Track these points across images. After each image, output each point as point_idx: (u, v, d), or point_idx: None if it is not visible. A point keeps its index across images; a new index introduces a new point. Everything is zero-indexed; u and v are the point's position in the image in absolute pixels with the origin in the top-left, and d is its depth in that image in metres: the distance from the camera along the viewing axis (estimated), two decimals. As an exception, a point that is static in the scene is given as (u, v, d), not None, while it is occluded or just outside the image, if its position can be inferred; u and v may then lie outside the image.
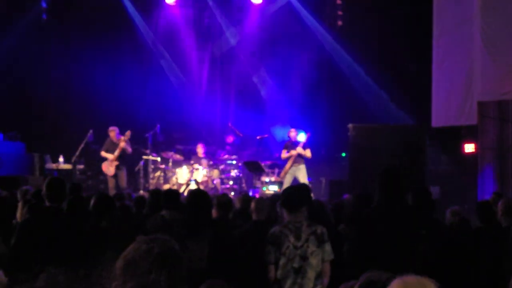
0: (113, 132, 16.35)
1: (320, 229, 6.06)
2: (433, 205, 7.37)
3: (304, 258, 5.97)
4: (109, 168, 16.18)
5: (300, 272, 5.99)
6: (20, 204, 7.64)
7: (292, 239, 5.98)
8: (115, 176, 16.17)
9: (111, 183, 16.17)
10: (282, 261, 5.99)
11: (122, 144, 16.02)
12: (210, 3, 19.50)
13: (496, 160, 15.10)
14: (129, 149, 16.30)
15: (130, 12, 19.52)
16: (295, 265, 5.96)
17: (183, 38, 19.81)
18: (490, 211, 7.28)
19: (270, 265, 6.03)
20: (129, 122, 17.84)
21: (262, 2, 19.34)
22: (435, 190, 14.32)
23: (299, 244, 5.97)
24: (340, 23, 18.86)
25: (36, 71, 18.47)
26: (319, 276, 6.05)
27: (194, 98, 19.75)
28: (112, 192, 15.34)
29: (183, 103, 19.60)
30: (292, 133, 16.24)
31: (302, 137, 16.05)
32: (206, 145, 17.52)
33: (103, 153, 16.27)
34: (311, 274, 6.02)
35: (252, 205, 6.92)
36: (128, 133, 16.15)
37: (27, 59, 18.44)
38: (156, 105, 19.30)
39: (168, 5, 19.57)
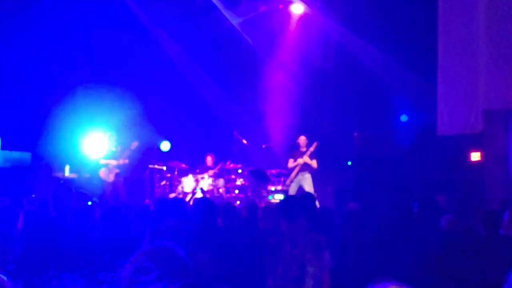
0: (112, 138, 16.51)
1: (316, 236, 6.07)
2: (441, 214, 7.35)
3: (301, 266, 5.97)
4: (108, 175, 16.23)
5: (298, 280, 5.99)
6: (21, 214, 7.62)
7: (288, 247, 5.99)
8: (114, 183, 16.24)
9: (109, 190, 16.23)
10: (279, 270, 5.99)
11: (122, 161, 16.22)
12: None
13: (502, 169, 15.06)
14: (126, 161, 16.42)
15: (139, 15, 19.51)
16: (293, 274, 5.97)
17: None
18: (496, 220, 7.26)
19: (268, 274, 6.05)
20: (135, 130, 17.89)
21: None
22: (440, 199, 14.28)
23: (295, 252, 5.98)
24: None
25: (42, 81, 18.49)
26: (317, 284, 6.04)
27: (200, 106, 19.74)
28: (108, 199, 15.46)
29: (190, 111, 19.63)
30: (302, 139, 16.27)
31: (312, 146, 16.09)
32: (214, 155, 17.53)
33: (103, 160, 16.33)
34: (308, 283, 6.01)
35: (259, 214, 6.93)
36: (135, 143, 16.32)
37: (33, 70, 18.46)
38: (162, 114, 19.33)
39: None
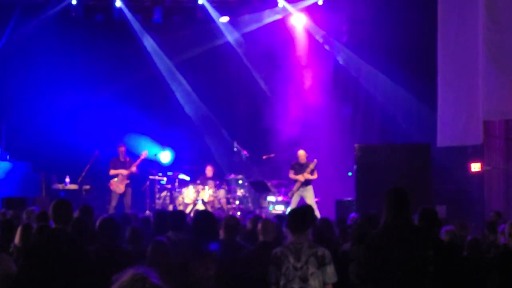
0: (122, 149, 16.51)
1: (321, 251, 6.01)
2: (440, 226, 7.34)
3: (304, 279, 5.92)
4: (119, 186, 16.24)
5: None
6: (20, 228, 7.57)
7: (292, 260, 5.95)
8: (123, 194, 16.24)
9: (115, 201, 16.23)
10: (282, 281, 5.96)
11: (134, 169, 16.24)
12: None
13: (502, 179, 15.07)
14: (137, 171, 16.46)
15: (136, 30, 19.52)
16: (295, 286, 5.92)
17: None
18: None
19: (272, 285, 6.02)
20: (136, 142, 17.93)
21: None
22: (441, 209, 14.27)
23: (299, 265, 5.94)
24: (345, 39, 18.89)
25: (43, 93, 18.53)
26: None
27: (200, 118, 19.74)
28: (112, 210, 15.43)
29: (190, 122, 19.65)
30: (301, 154, 16.30)
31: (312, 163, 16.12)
32: (214, 165, 17.54)
33: (113, 171, 16.34)
34: None
35: (259, 226, 6.91)
36: (144, 153, 16.39)
37: (34, 81, 18.51)
38: (162, 125, 19.36)
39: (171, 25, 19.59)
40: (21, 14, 18.28)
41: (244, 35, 19.61)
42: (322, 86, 19.00)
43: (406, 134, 17.53)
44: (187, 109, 19.69)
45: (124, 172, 16.27)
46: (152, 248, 6.26)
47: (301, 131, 18.55)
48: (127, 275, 2.63)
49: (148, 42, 19.54)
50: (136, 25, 19.33)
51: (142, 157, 16.51)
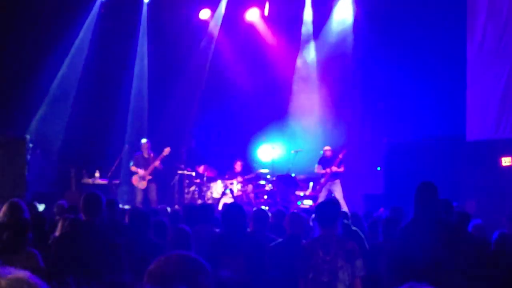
0: (145, 145, 16.51)
1: (350, 244, 6.02)
2: (468, 219, 7.29)
3: (333, 272, 5.92)
4: (141, 182, 16.26)
5: (329, 286, 5.94)
6: (61, 221, 7.70)
7: (321, 252, 5.96)
8: (146, 189, 16.27)
9: (140, 196, 16.25)
10: (310, 274, 5.97)
11: (157, 163, 16.22)
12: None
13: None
14: (161, 166, 16.42)
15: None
16: (324, 279, 5.93)
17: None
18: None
19: (300, 278, 6.04)
20: (164, 136, 17.97)
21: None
22: (471, 204, 14.16)
23: (328, 258, 5.94)
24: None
25: (72, 87, 18.67)
26: None
27: (228, 113, 19.76)
28: (139, 206, 15.46)
29: (218, 117, 19.67)
30: (328, 151, 16.32)
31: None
32: (243, 161, 17.56)
33: (134, 168, 16.37)
34: None
35: (286, 219, 6.92)
36: (167, 150, 16.31)
37: (63, 75, 18.65)
38: (192, 120, 19.42)
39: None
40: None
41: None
42: (350, 79, 18.91)
43: (435, 128, 17.37)
44: (216, 104, 19.74)
45: (141, 172, 16.21)
46: (173, 236, 6.29)
47: (329, 125, 18.50)
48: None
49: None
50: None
51: (164, 154, 16.45)
